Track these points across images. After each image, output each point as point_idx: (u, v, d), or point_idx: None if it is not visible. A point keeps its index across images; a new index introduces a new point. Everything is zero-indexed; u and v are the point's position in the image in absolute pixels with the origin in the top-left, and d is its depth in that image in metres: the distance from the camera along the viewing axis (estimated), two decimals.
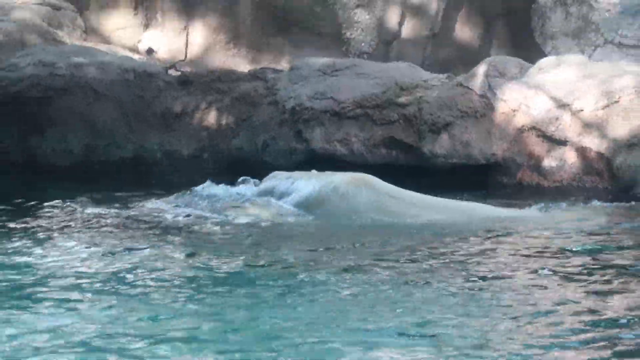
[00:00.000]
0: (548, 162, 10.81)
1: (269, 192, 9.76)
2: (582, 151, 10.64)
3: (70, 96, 11.83)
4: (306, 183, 9.51)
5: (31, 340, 5.14)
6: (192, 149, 11.91)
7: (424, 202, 9.33)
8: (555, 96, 10.78)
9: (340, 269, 6.95)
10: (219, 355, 4.96)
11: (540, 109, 10.79)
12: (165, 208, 9.53)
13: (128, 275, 6.71)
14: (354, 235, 8.49)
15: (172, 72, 13.20)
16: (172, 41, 14.19)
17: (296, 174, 9.83)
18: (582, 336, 5.24)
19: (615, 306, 5.89)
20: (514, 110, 10.92)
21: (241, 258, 7.33)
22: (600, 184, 10.61)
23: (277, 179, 9.82)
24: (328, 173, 9.65)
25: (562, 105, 10.72)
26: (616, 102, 10.57)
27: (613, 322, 5.48)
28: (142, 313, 5.72)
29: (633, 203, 9.99)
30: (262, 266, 7.10)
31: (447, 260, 7.24)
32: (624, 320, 5.52)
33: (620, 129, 10.48)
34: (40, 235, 8.26)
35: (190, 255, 7.45)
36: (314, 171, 9.81)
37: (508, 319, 5.60)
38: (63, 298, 6.04)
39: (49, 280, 6.54)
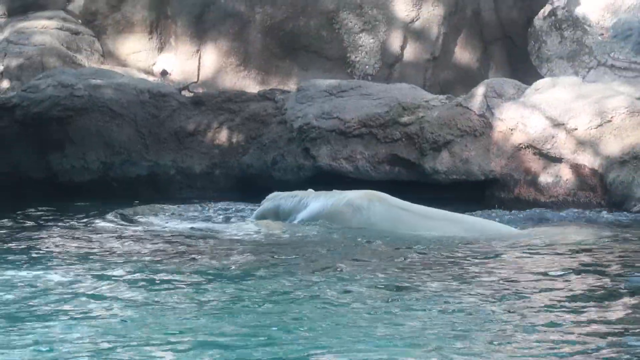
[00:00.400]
0: (544, 178, 10.91)
1: (272, 213, 9.61)
2: (576, 168, 10.77)
3: (88, 116, 11.99)
4: (315, 199, 9.41)
5: (49, 351, 5.09)
6: (204, 166, 12.00)
7: (435, 215, 9.21)
8: (551, 116, 10.91)
9: (355, 277, 6.88)
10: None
11: (536, 127, 10.90)
12: (179, 226, 9.54)
13: (139, 284, 6.69)
14: (371, 246, 8.37)
15: (185, 93, 13.32)
16: (185, 64, 14.48)
17: (298, 193, 9.66)
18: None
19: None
20: (512, 129, 11.05)
21: (258, 268, 7.24)
22: (593, 199, 10.71)
23: (279, 199, 9.63)
24: (335, 191, 9.52)
25: (557, 124, 10.83)
26: (609, 121, 10.67)
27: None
28: (157, 319, 5.74)
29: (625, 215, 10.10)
30: (277, 276, 7.00)
31: (460, 273, 7.15)
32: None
33: (612, 147, 10.60)
34: (59, 247, 8.29)
35: (201, 264, 7.40)
36: (310, 190, 9.64)
37: (512, 332, 5.52)
38: (83, 308, 6.01)
39: (65, 291, 6.52)
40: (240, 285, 6.69)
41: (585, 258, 7.92)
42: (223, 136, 12.05)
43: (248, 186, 11.76)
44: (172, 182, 12.06)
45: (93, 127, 12.02)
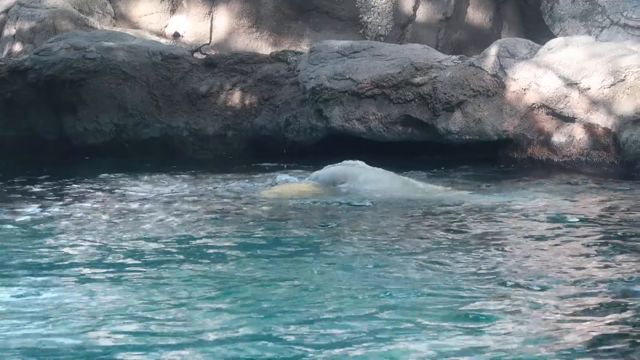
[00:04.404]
0: (557, 138, 10.88)
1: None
2: (589, 127, 10.70)
3: (100, 78, 11.99)
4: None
5: (67, 315, 5.10)
6: (217, 128, 11.98)
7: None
8: (564, 75, 10.82)
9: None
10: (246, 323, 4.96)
11: (549, 87, 10.83)
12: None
13: (162, 249, 6.71)
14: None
15: (197, 55, 13.31)
16: (197, 26, 14.51)
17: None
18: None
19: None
20: (524, 89, 10.99)
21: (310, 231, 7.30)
22: (607, 158, 10.66)
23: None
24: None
25: (571, 84, 10.75)
26: (622, 80, 10.57)
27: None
28: (182, 282, 5.79)
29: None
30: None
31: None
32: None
33: (626, 106, 10.50)
34: (76, 211, 8.27)
35: (231, 229, 7.40)
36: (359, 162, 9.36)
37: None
38: (101, 272, 6.02)
39: (81, 256, 6.52)
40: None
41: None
42: (236, 98, 12.04)
43: (261, 147, 11.80)
44: (185, 144, 12.06)
45: (105, 90, 12.03)
